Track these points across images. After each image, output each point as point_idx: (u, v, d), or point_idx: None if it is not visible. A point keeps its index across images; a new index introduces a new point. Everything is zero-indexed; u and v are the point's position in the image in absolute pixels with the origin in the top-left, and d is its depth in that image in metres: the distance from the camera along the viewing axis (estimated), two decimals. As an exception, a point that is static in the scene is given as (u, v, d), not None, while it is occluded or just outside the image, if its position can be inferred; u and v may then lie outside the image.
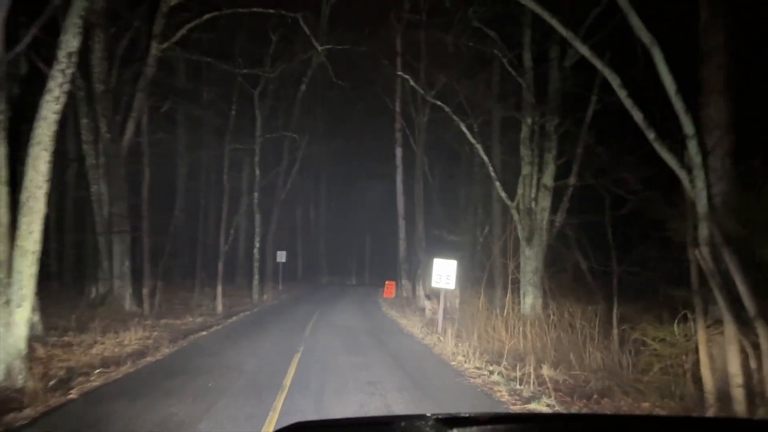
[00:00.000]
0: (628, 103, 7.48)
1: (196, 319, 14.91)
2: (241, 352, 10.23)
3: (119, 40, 16.44)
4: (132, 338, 11.46)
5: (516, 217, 14.28)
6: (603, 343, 9.68)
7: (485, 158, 14.33)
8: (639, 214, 11.49)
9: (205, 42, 19.78)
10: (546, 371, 8.42)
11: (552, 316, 12.00)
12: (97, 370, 8.27)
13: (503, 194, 14.41)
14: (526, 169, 14.20)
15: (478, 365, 9.56)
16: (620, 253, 13.66)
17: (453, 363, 9.91)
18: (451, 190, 25.88)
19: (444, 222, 23.91)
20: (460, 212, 25.24)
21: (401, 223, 25.39)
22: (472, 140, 14.38)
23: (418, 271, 21.09)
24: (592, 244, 14.79)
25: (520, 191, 14.14)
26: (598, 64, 8.04)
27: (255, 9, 16.64)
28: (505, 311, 12.90)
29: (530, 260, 13.91)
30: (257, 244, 21.57)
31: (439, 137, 23.03)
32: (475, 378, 8.67)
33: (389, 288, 25.52)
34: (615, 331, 9.55)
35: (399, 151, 25.45)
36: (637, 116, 7.37)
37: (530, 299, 13.67)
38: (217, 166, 23.54)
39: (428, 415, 1.89)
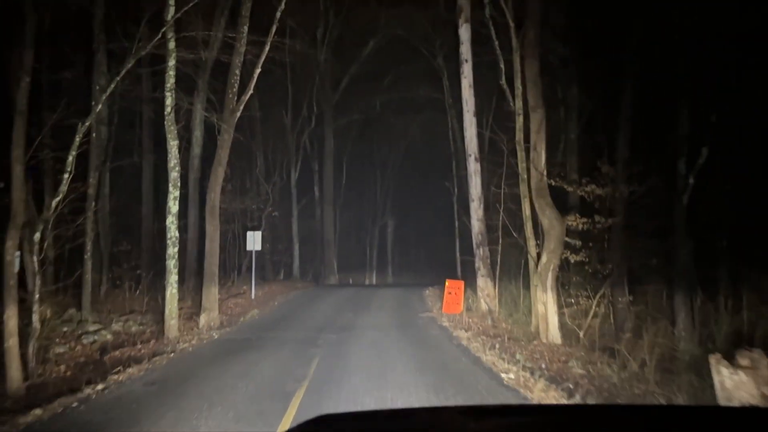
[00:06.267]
0: None
1: None
2: None
3: None
4: None
5: None
6: None
7: None
8: None
9: None
10: None
11: None
12: None
13: None
14: None
15: None
16: None
17: None
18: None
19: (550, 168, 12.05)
20: (569, 150, 13.71)
21: (473, 167, 13.19)
22: None
23: (543, 259, 9.01)
24: None
25: None
26: None
27: None
28: None
29: None
30: (173, 205, 9.46)
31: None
32: None
33: (455, 295, 13.15)
34: None
35: (465, 31, 13.22)
36: None
37: None
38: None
39: (451, 406, 1.84)
